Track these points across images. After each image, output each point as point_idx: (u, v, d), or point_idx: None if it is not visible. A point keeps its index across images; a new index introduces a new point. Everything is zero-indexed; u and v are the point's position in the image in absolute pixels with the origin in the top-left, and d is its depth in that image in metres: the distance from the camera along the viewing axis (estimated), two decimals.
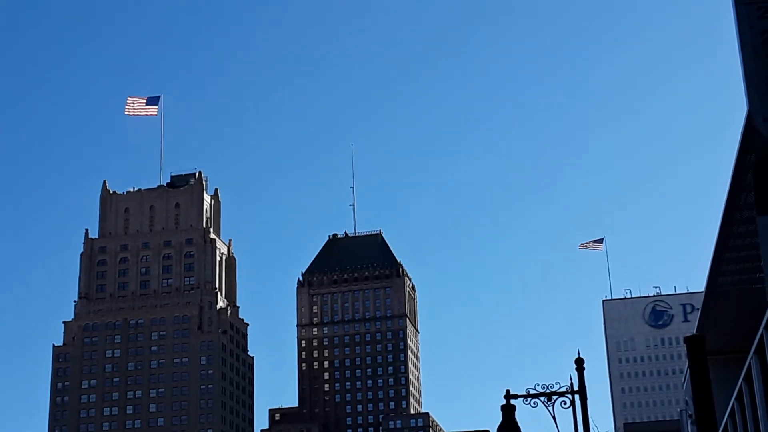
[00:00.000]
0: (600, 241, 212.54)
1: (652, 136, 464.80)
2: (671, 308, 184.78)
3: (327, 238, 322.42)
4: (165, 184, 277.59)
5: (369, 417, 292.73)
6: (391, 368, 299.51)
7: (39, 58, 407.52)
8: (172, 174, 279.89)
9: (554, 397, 32.02)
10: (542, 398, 32.03)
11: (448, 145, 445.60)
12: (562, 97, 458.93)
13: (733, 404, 37.63)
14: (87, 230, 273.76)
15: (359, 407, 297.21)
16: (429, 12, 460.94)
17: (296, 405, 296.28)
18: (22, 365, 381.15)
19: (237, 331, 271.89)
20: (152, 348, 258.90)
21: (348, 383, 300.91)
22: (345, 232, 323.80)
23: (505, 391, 28.86)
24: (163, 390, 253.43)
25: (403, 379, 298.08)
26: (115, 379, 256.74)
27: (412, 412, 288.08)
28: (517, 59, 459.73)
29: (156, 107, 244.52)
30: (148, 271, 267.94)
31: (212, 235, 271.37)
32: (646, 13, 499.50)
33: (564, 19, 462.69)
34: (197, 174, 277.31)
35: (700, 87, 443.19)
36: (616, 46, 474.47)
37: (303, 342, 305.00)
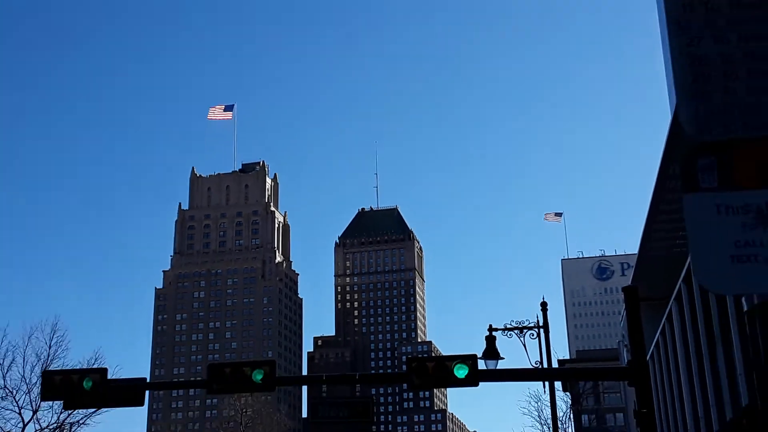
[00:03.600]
0: (560, 214, 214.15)
1: (605, 126, 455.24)
2: (612, 266, 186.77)
3: (357, 211, 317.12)
4: (237, 170, 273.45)
5: (387, 343, 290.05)
6: (404, 308, 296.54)
7: (147, 71, 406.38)
8: (243, 163, 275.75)
9: (525, 331, 33.40)
10: (516, 331, 33.41)
11: (447, 139, 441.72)
12: (546, 93, 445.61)
13: (658, 338, 37.50)
14: (180, 204, 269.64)
15: (380, 336, 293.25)
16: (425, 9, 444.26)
17: (333, 334, 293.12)
18: (132, 303, 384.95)
19: (290, 280, 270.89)
20: (228, 291, 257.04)
21: (372, 318, 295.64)
22: (370, 207, 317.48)
23: (488, 326, 28.87)
24: (235, 322, 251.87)
25: (412, 316, 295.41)
26: (200, 314, 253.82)
27: (419, 340, 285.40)
28: (499, 50, 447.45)
29: (231, 113, 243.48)
30: (225, 235, 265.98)
31: (272, 208, 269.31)
32: None
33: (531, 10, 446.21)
34: (261, 163, 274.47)
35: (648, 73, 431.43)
36: (570, 30, 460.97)
37: (339, 288, 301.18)
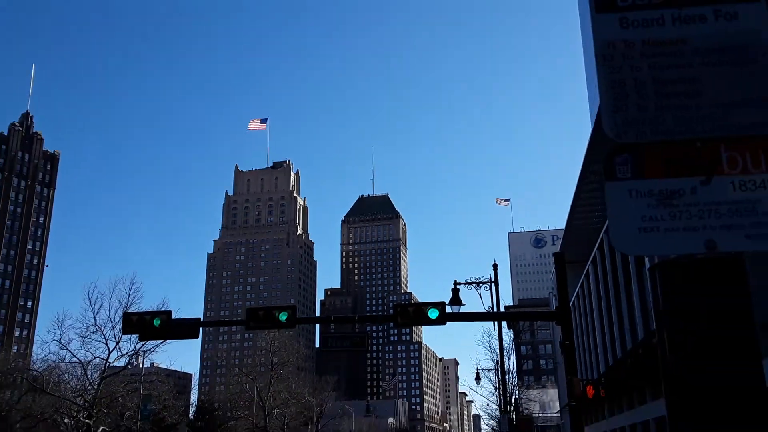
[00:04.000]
0: (507, 200, 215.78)
1: (543, 128, 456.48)
2: (546, 237, 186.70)
3: (358, 197, 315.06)
4: (270, 167, 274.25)
5: (378, 294, 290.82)
6: (391, 268, 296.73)
7: (205, 92, 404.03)
8: (274, 161, 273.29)
9: (480, 285, 32.81)
10: (474, 285, 32.84)
11: (427, 142, 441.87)
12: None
13: (578, 290, 37.71)
14: (226, 191, 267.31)
15: (374, 288, 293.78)
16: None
17: (339, 287, 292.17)
18: (191, 263, 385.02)
19: (307, 247, 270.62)
20: (261, 255, 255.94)
21: (367, 275, 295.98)
22: (368, 194, 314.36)
23: (453, 281, 29.25)
24: (266, 278, 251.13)
25: (398, 273, 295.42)
26: (240, 272, 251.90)
27: (402, 291, 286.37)
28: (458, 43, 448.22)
29: (264, 125, 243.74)
30: (260, 214, 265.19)
31: (295, 195, 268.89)
32: None
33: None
34: (287, 161, 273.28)
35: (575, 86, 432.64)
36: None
37: (343, 253, 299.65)
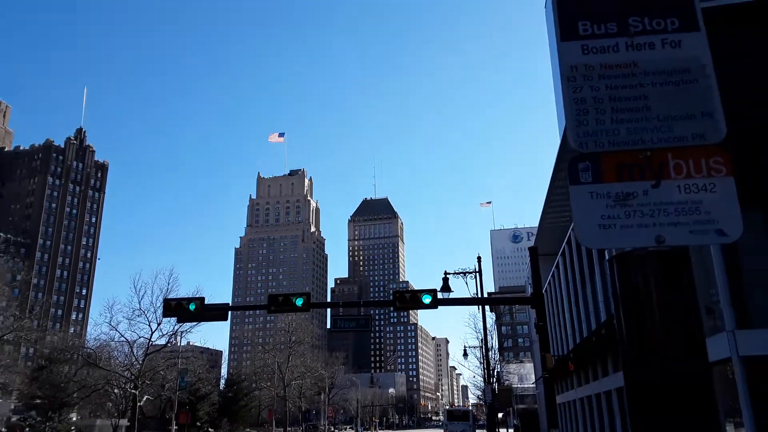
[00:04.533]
0: (489, 202, 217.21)
1: (521, 139, 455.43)
2: (522, 234, 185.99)
3: (362, 200, 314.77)
4: (287, 174, 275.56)
5: (380, 282, 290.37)
6: (391, 260, 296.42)
7: (234, 109, 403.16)
8: (291, 169, 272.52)
9: (467, 275, 33.61)
10: (461, 275, 33.55)
11: (422, 151, 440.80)
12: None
13: (550, 278, 37.27)
14: (250, 195, 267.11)
15: (376, 277, 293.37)
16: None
17: (347, 276, 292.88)
18: (221, 257, 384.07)
19: (320, 243, 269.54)
20: (280, 250, 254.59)
21: (371, 267, 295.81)
22: (371, 197, 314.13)
23: (444, 271, 29.44)
24: (285, 268, 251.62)
25: (397, 265, 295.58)
26: (263, 263, 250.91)
27: (400, 280, 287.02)
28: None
29: (282, 138, 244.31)
30: (279, 214, 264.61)
31: (309, 198, 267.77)
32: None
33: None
34: (302, 170, 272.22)
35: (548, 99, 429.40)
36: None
37: (350, 248, 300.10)
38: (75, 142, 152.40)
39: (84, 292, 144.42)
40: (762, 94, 13.56)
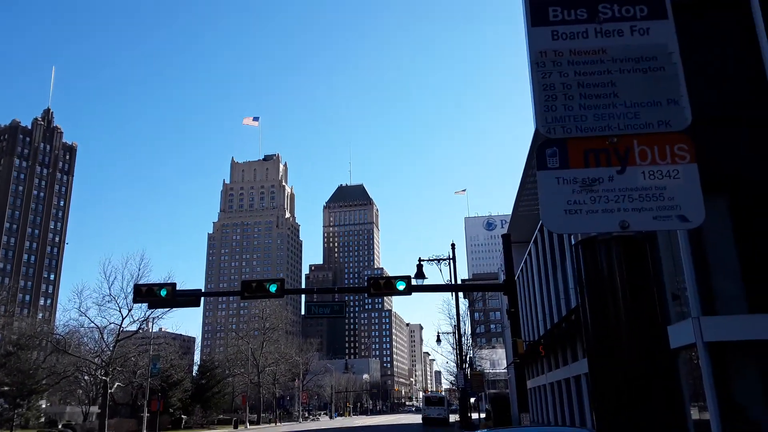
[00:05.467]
0: (464, 190, 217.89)
1: (497, 124, 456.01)
2: (496, 221, 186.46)
3: (337, 186, 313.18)
4: (261, 159, 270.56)
5: (354, 268, 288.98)
6: (365, 246, 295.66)
7: (207, 92, 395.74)
8: (265, 154, 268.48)
9: (441, 261, 34.33)
10: (435, 261, 34.34)
11: (398, 137, 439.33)
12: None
13: (522, 265, 37.22)
14: (224, 180, 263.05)
15: (351, 264, 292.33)
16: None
17: (322, 262, 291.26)
18: (194, 242, 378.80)
19: (294, 229, 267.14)
20: (254, 235, 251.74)
21: (346, 253, 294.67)
22: (346, 183, 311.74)
23: (418, 258, 28.44)
24: (258, 255, 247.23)
25: (371, 251, 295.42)
26: (236, 249, 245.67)
27: (375, 266, 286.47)
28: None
29: (257, 122, 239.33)
30: (253, 200, 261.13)
31: (283, 184, 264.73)
32: None
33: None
34: (277, 155, 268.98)
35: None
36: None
37: (325, 234, 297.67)
38: (42, 123, 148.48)
39: (52, 277, 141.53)
40: (724, 79, 13.88)
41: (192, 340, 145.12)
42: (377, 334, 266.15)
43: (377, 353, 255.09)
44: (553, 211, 2.39)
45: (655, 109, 2.49)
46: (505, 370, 65.27)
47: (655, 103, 2.50)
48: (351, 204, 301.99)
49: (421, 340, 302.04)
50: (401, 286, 18.79)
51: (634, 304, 2.32)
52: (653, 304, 2.34)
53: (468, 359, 48.93)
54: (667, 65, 2.54)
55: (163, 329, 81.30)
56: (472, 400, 56.70)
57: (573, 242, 2.50)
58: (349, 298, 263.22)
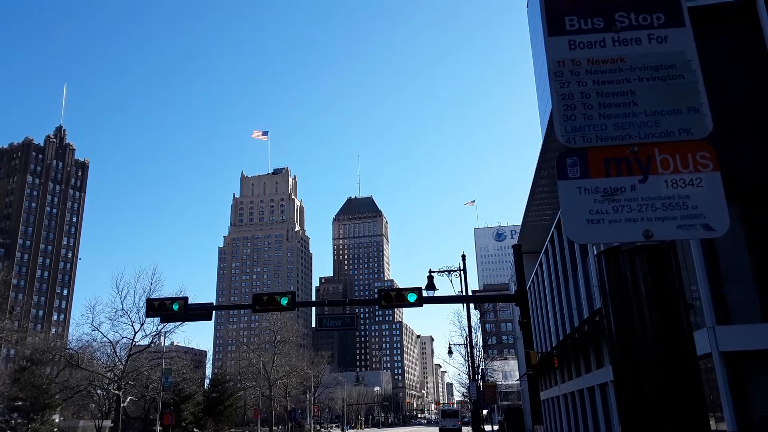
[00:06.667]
0: (473, 201, 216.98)
1: (504, 138, 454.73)
2: (506, 232, 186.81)
3: (346, 199, 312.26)
4: (271, 173, 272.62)
5: (365, 281, 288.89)
6: (375, 259, 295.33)
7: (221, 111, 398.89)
8: (274, 168, 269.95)
9: (451, 273, 33.37)
10: (446, 273, 33.55)
11: (407, 149, 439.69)
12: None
13: (533, 276, 37.36)
14: (234, 194, 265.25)
15: (361, 276, 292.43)
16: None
17: (332, 275, 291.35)
18: (205, 256, 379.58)
19: (304, 241, 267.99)
20: (264, 248, 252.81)
21: (356, 265, 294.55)
22: (355, 196, 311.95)
23: (429, 269, 29.15)
24: (269, 268, 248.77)
25: (381, 263, 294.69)
26: (246, 263, 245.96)
27: (385, 278, 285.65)
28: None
29: (266, 136, 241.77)
30: (263, 213, 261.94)
31: (293, 197, 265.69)
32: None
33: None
34: (286, 168, 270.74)
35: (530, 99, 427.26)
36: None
37: (335, 246, 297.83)
38: (55, 140, 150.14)
39: (65, 292, 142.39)
40: (734, 90, 13.91)
41: (204, 353, 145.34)
42: (388, 347, 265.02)
43: (388, 365, 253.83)
44: (576, 221, 2.35)
45: (676, 117, 2.46)
46: (518, 382, 64.64)
47: (676, 111, 2.47)
48: (360, 216, 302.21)
49: (433, 351, 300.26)
50: (412, 298, 18.68)
51: (660, 314, 2.28)
52: (680, 314, 2.30)
53: (480, 371, 48.44)
54: (686, 73, 2.52)
55: (175, 343, 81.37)
56: (485, 412, 56.29)
57: (595, 252, 2.47)
58: (359, 310, 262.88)
